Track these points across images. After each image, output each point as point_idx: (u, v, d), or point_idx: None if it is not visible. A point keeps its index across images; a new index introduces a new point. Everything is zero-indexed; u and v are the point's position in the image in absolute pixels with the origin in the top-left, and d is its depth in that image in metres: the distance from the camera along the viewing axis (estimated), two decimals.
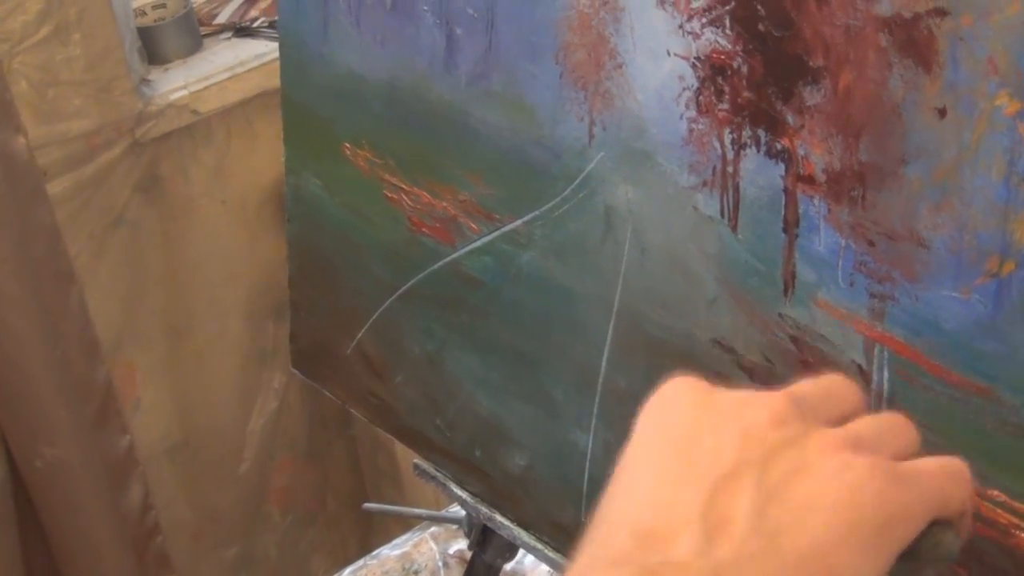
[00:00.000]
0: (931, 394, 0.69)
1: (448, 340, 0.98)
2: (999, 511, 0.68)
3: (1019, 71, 0.61)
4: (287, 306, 2.25)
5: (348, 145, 1.01)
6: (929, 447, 0.66)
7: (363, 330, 1.05)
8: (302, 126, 1.05)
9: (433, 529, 1.44)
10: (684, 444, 0.51)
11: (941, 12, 0.64)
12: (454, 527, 1.44)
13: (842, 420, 0.53)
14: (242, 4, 2.25)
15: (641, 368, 0.84)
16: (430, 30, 0.92)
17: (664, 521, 0.48)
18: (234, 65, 2.12)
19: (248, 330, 2.25)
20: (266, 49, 2.15)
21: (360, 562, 1.42)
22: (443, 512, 1.45)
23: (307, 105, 1.04)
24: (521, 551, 1.10)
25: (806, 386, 0.55)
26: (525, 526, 0.98)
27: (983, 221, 0.65)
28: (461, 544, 1.41)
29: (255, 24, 2.20)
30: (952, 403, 0.68)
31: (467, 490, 1.02)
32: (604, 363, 0.86)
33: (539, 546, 0.96)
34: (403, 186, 0.98)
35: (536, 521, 0.96)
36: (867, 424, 0.53)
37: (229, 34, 2.20)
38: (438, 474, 1.04)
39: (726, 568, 0.46)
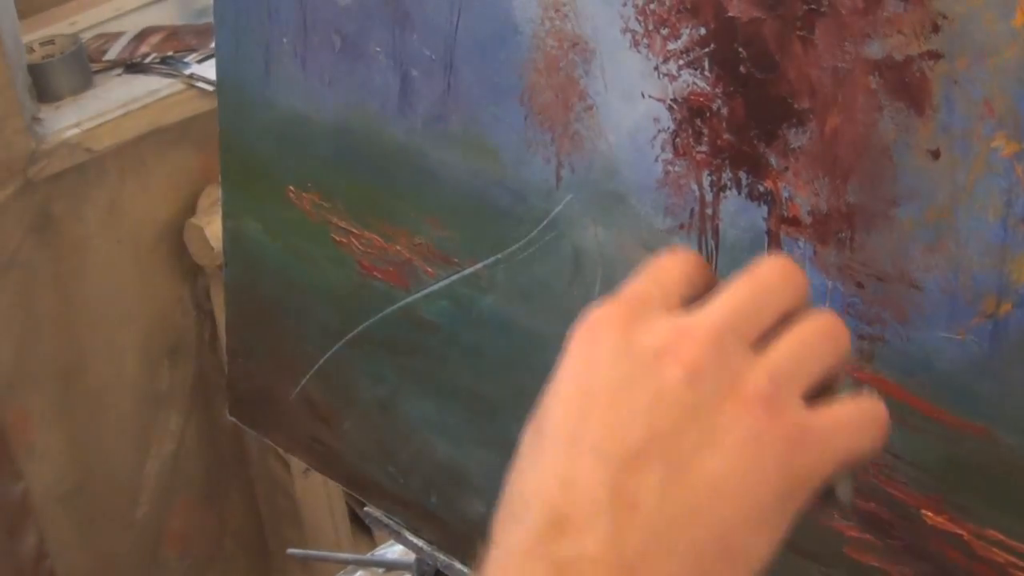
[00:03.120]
0: (924, 435, 0.69)
1: (401, 386, 0.97)
2: (995, 550, 0.68)
3: (1016, 113, 0.62)
4: (182, 346, 2.22)
5: (292, 188, 0.99)
6: (923, 488, 0.67)
7: (308, 376, 1.03)
8: (241, 169, 1.03)
9: (359, 573, 1.42)
10: (597, 404, 0.52)
11: (935, 55, 0.64)
12: (380, 571, 1.42)
13: (778, 323, 0.53)
14: (132, 40, 2.22)
15: None
16: (383, 71, 0.91)
17: (574, 504, 0.49)
18: (127, 102, 2.09)
19: (143, 371, 2.21)
20: (158, 85, 2.12)
21: None
22: (370, 556, 1.43)
23: (247, 148, 1.02)
24: None
25: (740, 293, 0.55)
26: None
27: (979, 262, 0.65)
28: None
29: (147, 60, 2.17)
30: (946, 444, 0.68)
31: (422, 537, 1.00)
32: None
33: None
34: (353, 229, 0.96)
35: None
36: (790, 347, 0.52)
37: (120, 70, 2.16)
38: (390, 521, 1.02)
39: (636, 562, 0.47)
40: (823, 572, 0.76)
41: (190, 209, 2.17)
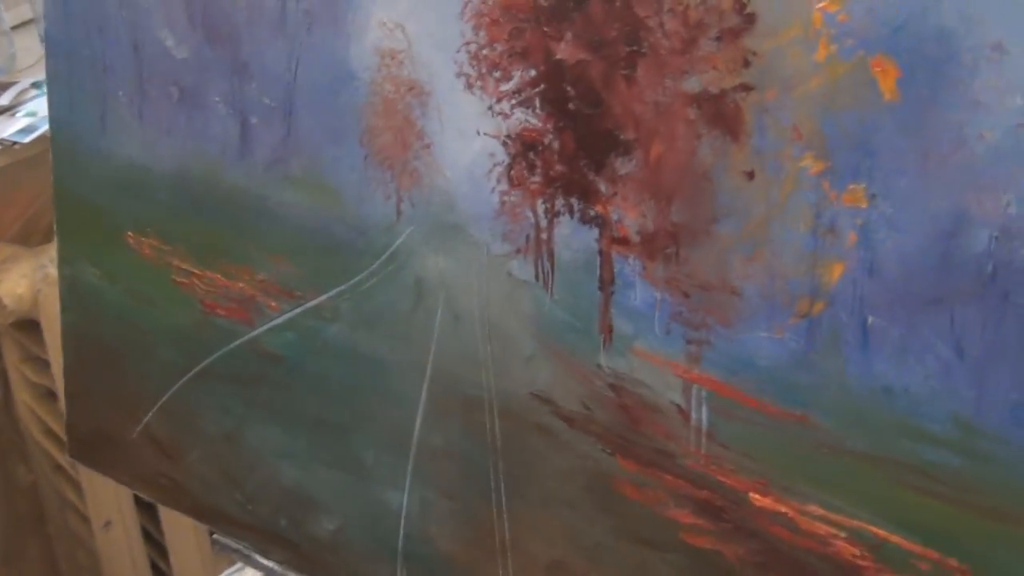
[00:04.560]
0: (750, 426, 0.77)
1: (247, 416, 1.02)
2: (818, 524, 0.77)
3: (822, 135, 0.71)
4: None
5: (131, 234, 1.04)
6: (750, 474, 0.75)
7: (150, 413, 1.07)
8: (77, 217, 1.07)
9: None
10: None
11: (747, 87, 0.73)
12: None
13: None
14: None
15: (457, 425, 0.90)
16: (222, 120, 0.96)
17: None
18: None
19: None
20: None
21: None
22: None
23: (83, 197, 1.06)
24: None
25: None
26: None
27: (793, 268, 0.73)
28: None
29: None
30: (770, 432, 0.77)
31: (272, 559, 1.05)
32: (418, 424, 0.92)
33: None
34: (194, 270, 1.01)
35: None
36: None
37: None
38: (239, 546, 1.06)
39: None
40: (661, 558, 0.84)
41: None
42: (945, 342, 0.69)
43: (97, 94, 1.03)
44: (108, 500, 2.20)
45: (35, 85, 2.27)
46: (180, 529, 2.22)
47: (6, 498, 2.32)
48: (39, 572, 2.39)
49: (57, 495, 2.30)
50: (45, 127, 2.10)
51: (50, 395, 2.19)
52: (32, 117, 2.19)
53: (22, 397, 2.22)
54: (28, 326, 2.14)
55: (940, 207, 0.68)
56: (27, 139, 2.12)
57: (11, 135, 2.13)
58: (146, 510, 2.28)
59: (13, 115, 2.18)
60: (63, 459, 2.22)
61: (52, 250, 2.12)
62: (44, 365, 2.16)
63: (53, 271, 2.06)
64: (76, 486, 2.22)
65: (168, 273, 1.02)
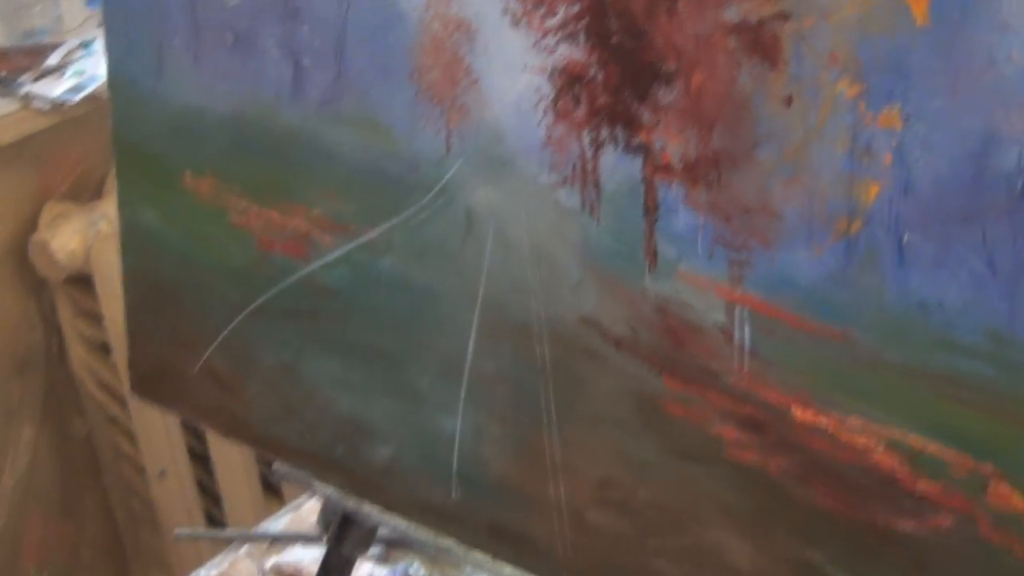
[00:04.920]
0: (790, 343, 0.81)
1: (304, 349, 1.05)
2: (857, 436, 0.80)
3: (858, 60, 0.74)
4: (31, 360, 2.27)
5: (188, 176, 1.08)
6: (791, 389, 0.78)
7: (210, 349, 1.11)
8: (135, 162, 1.11)
9: (248, 547, 1.50)
10: None
11: (784, 16, 0.76)
12: (266, 544, 1.50)
13: None
14: None
15: (508, 351, 0.93)
16: (275, 63, 1.00)
17: None
18: None
19: None
20: None
21: None
22: (255, 531, 1.51)
23: (140, 142, 1.10)
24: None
25: None
26: (392, 510, 1.06)
27: (831, 190, 0.76)
28: (275, 559, 1.48)
29: None
30: (810, 348, 0.80)
31: (331, 485, 1.09)
32: (470, 352, 0.95)
33: (408, 527, 1.04)
34: (251, 209, 1.04)
35: (403, 505, 1.04)
36: None
37: None
38: (298, 474, 1.10)
39: None
40: (707, 473, 0.88)
41: (32, 225, 2.21)
42: (977, 257, 0.72)
43: (153, 41, 1.06)
44: (162, 450, 2.26)
45: (82, 45, 2.30)
46: (233, 477, 2.27)
47: (62, 451, 2.38)
48: (96, 522, 2.45)
49: (112, 446, 2.35)
50: (93, 86, 2.14)
51: (104, 349, 2.24)
52: (80, 77, 2.23)
53: (76, 351, 2.27)
54: (81, 281, 2.19)
55: (971, 127, 0.71)
56: (76, 98, 2.16)
57: (60, 95, 2.17)
58: (199, 460, 2.34)
59: (61, 75, 2.22)
60: (118, 411, 2.27)
61: (103, 206, 2.17)
62: (97, 320, 2.21)
63: (105, 227, 2.11)
64: (131, 437, 2.28)
65: (225, 213, 1.06)
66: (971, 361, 0.74)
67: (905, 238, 0.74)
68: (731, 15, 0.77)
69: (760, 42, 0.77)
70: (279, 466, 1.12)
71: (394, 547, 1.45)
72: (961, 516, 0.78)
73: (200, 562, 1.55)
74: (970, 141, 0.71)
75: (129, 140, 1.11)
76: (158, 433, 2.27)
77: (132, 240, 1.14)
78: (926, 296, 0.74)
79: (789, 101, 0.76)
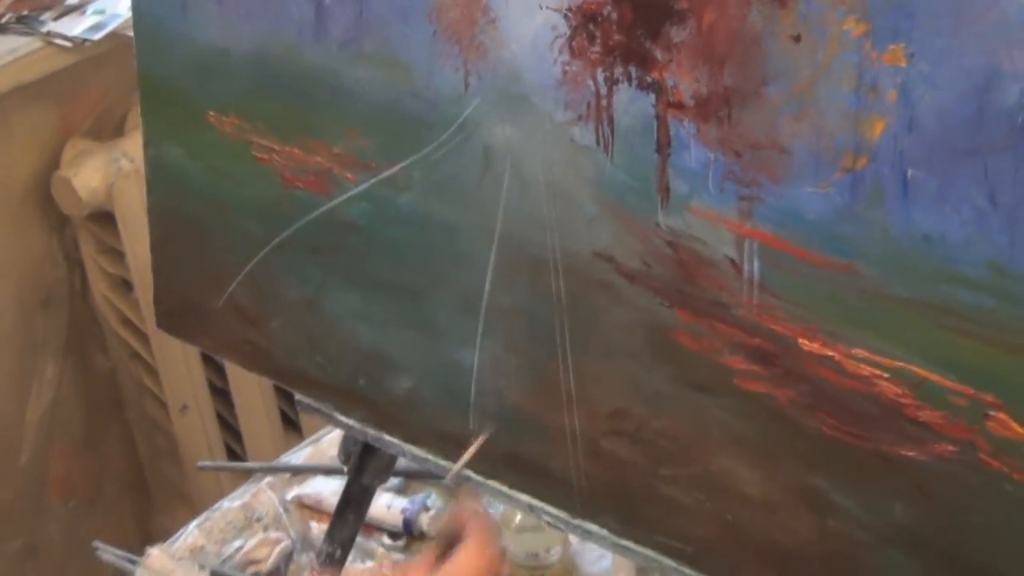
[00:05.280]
0: (798, 276, 0.83)
1: (326, 283, 1.08)
2: (863, 366, 0.83)
3: None
4: (54, 296, 2.30)
5: (213, 113, 1.10)
6: (799, 321, 0.81)
7: (234, 283, 1.14)
8: (161, 100, 1.13)
9: (269, 479, 1.53)
10: None
11: None
12: (287, 476, 1.54)
13: None
14: None
15: (524, 285, 0.96)
16: (297, 3, 1.02)
17: None
18: None
19: (19, 323, 2.27)
20: (16, 44, 2.18)
21: (203, 515, 1.50)
22: (276, 463, 1.54)
23: (165, 80, 1.12)
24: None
25: None
26: (412, 441, 1.09)
27: (837, 126, 0.79)
28: (296, 491, 1.51)
29: (2, 20, 2.22)
30: (817, 281, 0.82)
31: (352, 418, 1.12)
32: (488, 285, 0.98)
33: (428, 456, 1.07)
34: (274, 146, 1.07)
35: (422, 435, 1.07)
36: None
37: None
38: (320, 406, 1.14)
39: None
40: (716, 403, 0.90)
41: (54, 162, 2.23)
42: (980, 191, 0.74)
43: None
44: (184, 386, 2.29)
45: None
46: (253, 412, 2.31)
47: (86, 385, 2.41)
48: (119, 455, 2.49)
49: (135, 382, 2.39)
50: (114, 24, 2.16)
51: (126, 285, 2.27)
52: (100, 15, 2.24)
53: (99, 288, 2.30)
54: (103, 218, 2.21)
55: (974, 64, 0.73)
56: (96, 36, 2.18)
57: (81, 33, 2.18)
58: (220, 395, 2.37)
59: (82, 13, 2.24)
60: (140, 347, 2.30)
61: (124, 144, 2.19)
62: (119, 256, 2.24)
63: (126, 164, 2.13)
64: (153, 373, 2.31)
65: (248, 150, 1.08)
66: (973, 293, 0.77)
67: (909, 173, 0.77)
68: None
69: None
70: (301, 399, 1.15)
71: (412, 479, 1.49)
72: (962, 443, 0.81)
73: (221, 495, 1.58)
74: (972, 78, 0.73)
75: (154, 79, 1.13)
76: (179, 369, 2.30)
77: (157, 177, 1.17)
78: (930, 229, 0.77)
79: (798, 39, 0.78)
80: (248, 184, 1.10)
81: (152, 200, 1.18)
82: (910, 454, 0.83)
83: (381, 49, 0.98)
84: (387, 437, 1.11)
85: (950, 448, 0.81)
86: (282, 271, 1.10)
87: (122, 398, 2.43)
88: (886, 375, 0.82)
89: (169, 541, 1.47)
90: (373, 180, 1.01)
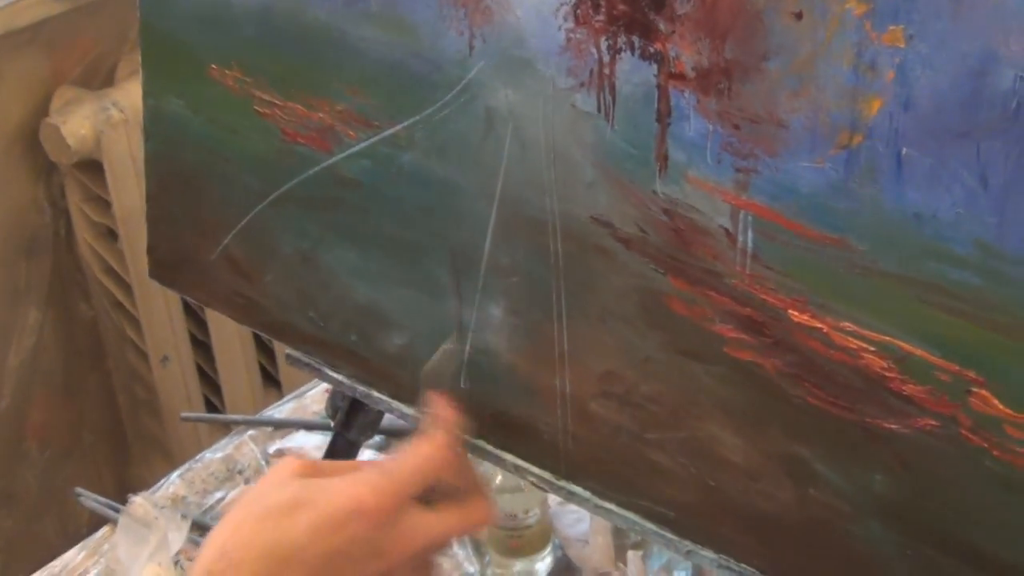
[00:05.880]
0: (791, 248, 0.85)
1: (323, 238, 1.10)
2: (850, 339, 0.85)
3: None
4: (38, 244, 2.31)
5: (215, 66, 1.11)
6: (790, 292, 0.83)
7: (229, 236, 1.15)
8: (162, 51, 1.14)
9: (251, 432, 1.55)
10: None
11: None
12: (269, 429, 1.55)
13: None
14: None
15: (523, 247, 0.98)
16: None
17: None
18: None
19: (2, 269, 2.29)
20: None
21: (186, 466, 1.52)
22: (259, 416, 1.56)
23: (168, 32, 1.13)
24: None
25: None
26: (402, 399, 1.11)
27: (835, 103, 0.80)
28: (279, 444, 1.53)
29: None
30: (810, 254, 0.84)
31: (341, 373, 1.14)
32: (487, 245, 1.00)
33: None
34: (276, 101, 1.08)
35: (412, 394, 1.09)
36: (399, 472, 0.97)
37: None
38: (311, 360, 1.15)
39: None
40: (706, 370, 0.92)
41: (43, 109, 2.24)
42: (971, 172, 0.76)
43: None
44: (165, 336, 2.30)
45: None
46: (233, 366, 2.32)
47: (67, 333, 2.42)
48: (98, 404, 2.50)
49: (116, 331, 2.40)
50: None
51: (111, 234, 2.28)
52: None
53: (84, 236, 2.31)
54: (91, 166, 2.22)
55: (971, 48, 0.74)
56: None
57: None
58: (201, 347, 2.38)
59: None
60: (123, 297, 2.32)
61: (114, 93, 2.20)
62: (105, 205, 2.25)
63: (116, 113, 2.14)
64: (135, 322, 2.32)
65: (250, 103, 1.10)
66: (960, 271, 0.79)
67: (904, 152, 0.78)
68: None
69: None
70: (291, 352, 1.16)
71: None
72: (944, 418, 0.83)
73: (200, 448, 1.60)
74: (969, 61, 0.75)
75: (156, 30, 1.15)
76: (162, 320, 2.32)
77: (156, 127, 1.18)
78: (921, 207, 0.79)
79: (799, 16, 0.80)
80: (248, 138, 1.11)
81: (150, 150, 1.19)
82: (892, 427, 0.85)
83: (387, 8, 0.99)
84: (376, 394, 1.12)
85: (932, 422, 0.83)
86: (279, 225, 1.12)
87: (103, 348, 2.45)
88: (872, 348, 0.84)
89: (151, 490, 1.49)
90: (375, 138, 1.03)
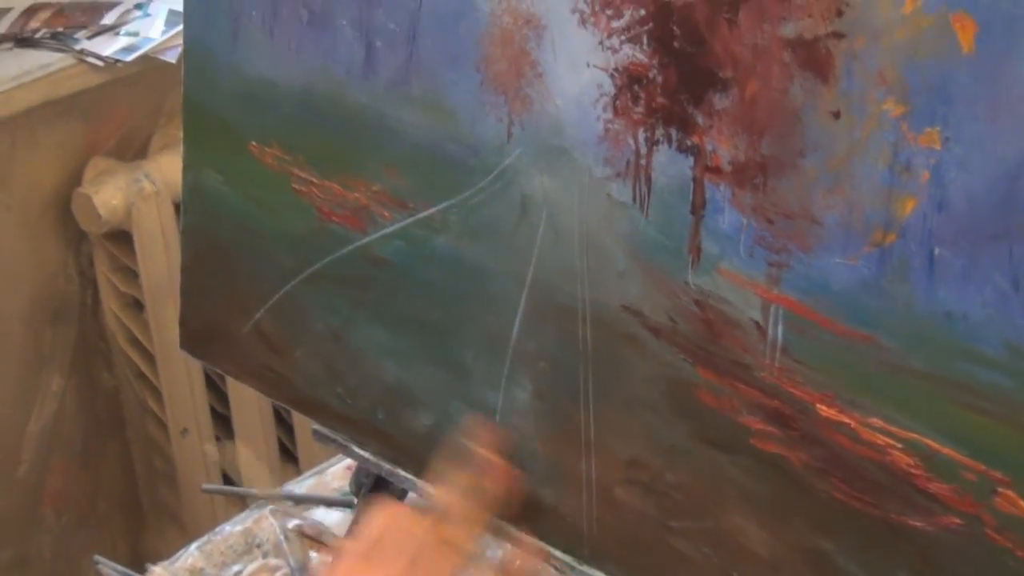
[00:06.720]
0: (821, 343, 0.86)
1: (354, 316, 1.11)
2: (877, 435, 0.85)
3: (904, 82, 0.78)
4: (65, 311, 2.32)
5: (255, 144, 1.13)
6: (818, 387, 0.83)
7: (261, 311, 1.17)
8: (204, 126, 1.16)
9: (271, 507, 1.55)
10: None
11: (839, 35, 0.81)
12: (289, 504, 1.55)
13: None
14: (22, 15, 2.30)
15: (552, 332, 0.99)
16: (348, 42, 1.05)
17: None
18: (19, 75, 2.17)
19: (27, 335, 2.30)
20: (49, 60, 2.21)
21: (204, 538, 1.52)
22: (280, 491, 1.56)
23: (211, 108, 1.15)
24: None
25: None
26: (427, 478, 1.11)
27: (870, 201, 0.81)
28: (297, 520, 1.53)
29: (37, 35, 2.25)
30: (839, 350, 0.85)
31: (367, 450, 1.14)
32: (516, 330, 1.01)
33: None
34: (313, 180, 1.10)
35: None
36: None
37: (11, 44, 2.25)
38: (337, 437, 1.16)
39: None
40: (731, 461, 0.93)
41: (76, 179, 2.26)
42: (1003, 274, 0.77)
43: (231, 13, 1.12)
44: (186, 409, 2.31)
45: (138, 7, 2.35)
46: (252, 440, 2.32)
47: (89, 402, 2.43)
48: (116, 473, 2.50)
49: (138, 401, 2.40)
50: (146, 48, 2.19)
51: (137, 305, 2.30)
52: (133, 37, 2.27)
53: (110, 306, 2.32)
54: (120, 237, 2.24)
55: (1007, 151, 0.75)
56: (129, 58, 2.21)
57: (113, 53, 2.21)
58: (221, 420, 2.39)
59: (116, 34, 2.27)
60: (146, 367, 2.32)
61: (147, 165, 2.22)
62: (133, 276, 2.27)
63: (147, 185, 2.16)
64: (156, 393, 2.33)
65: (288, 181, 1.11)
66: (990, 371, 0.79)
67: (936, 252, 0.79)
68: (788, 30, 0.82)
69: (814, 57, 0.82)
70: (318, 428, 1.17)
71: None
72: (969, 517, 0.83)
73: (215, 522, 1.60)
74: (1005, 165, 0.76)
75: (199, 105, 1.16)
76: (183, 392, 2.33)
77: (194, 200, 1.19)
78: (952, 307, 0.79)
79: (837, 115, 0.81)
80: (284, 215, 1.12)
81: (186, 223, 1.21)
82: (917, 524, 0.85)
83: (428, 93, 1.01)
84: (401, 472, 1.13)
85: (957, 521, 0.83)
86: (311, 302, 1.13)
87: (123, 417, 2.45)
88: (899, 445, 0.84)
89: (169, 560, 1.49)
90: (410, 219, 1.04)
